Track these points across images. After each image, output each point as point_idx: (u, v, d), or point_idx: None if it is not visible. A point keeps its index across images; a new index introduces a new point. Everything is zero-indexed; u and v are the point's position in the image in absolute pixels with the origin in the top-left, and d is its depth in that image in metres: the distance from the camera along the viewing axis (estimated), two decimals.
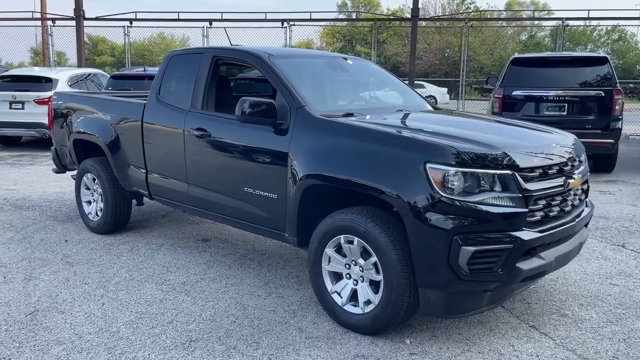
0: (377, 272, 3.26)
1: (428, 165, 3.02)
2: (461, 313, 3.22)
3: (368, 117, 3.82)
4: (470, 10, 34.63)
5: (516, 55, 9.57)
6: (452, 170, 2.97)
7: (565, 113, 8.75)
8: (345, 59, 4.77)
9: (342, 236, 3.40)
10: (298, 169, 3.58)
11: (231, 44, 4.90)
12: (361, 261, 3.36)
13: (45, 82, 11.08)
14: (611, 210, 6.75)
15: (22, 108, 10.87)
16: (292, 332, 3.46)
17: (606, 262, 4.82)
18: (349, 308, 3.45)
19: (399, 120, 3.80)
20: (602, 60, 8.92)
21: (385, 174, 3.18)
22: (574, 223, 3.41)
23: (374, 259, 3.25)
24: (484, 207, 2.97)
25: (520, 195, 3.04)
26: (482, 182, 3.00)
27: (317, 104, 3.84)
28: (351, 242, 3.37)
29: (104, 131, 5.26)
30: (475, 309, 3.19)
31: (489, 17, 27.42)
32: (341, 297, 3.49)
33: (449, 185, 2.97)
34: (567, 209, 3.38)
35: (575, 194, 3.52)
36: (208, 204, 4.41)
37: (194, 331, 3.47)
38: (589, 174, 3.83)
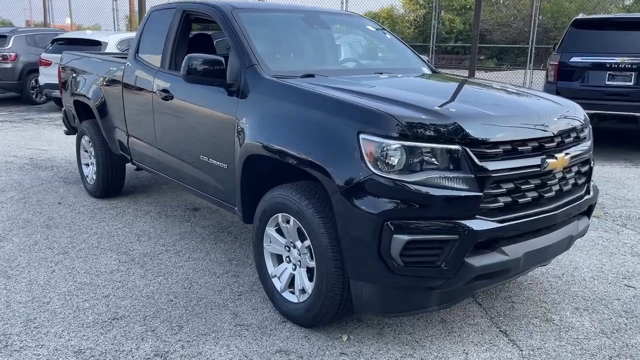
0: (312, 257, 2.83)
1: (361, 135, 2.53)
2: (402, 312, 2.75)
3: (329, 79, 3.34)
4: None
5: (580, 16, 8.48)
6: (387, 142, 2.46)
7: (632, 83, 7.66)
8: (331, 14, 4.26)
9: (280, 214, 2.99)
10: (242, 137, 3.19)
11: None
12: (299, 244, 2.95)
13: (94, 45, 11.22)
14: None
15: None
16: (225, 317, 3.13)
17: (634, 258, 4.08)
18: (287, 295, 3.07)
19: (362, 84, 3.28)
20: None
21: (316, 145, 2.73)
22: (556, 213, 2.80)
23: (308, 242, 2.83)
24: (423, 189, 2.45)
25: (473, 176, 2.49)
26: (423, 158, 2.48)
27: (273, 62, 3.42)
28: (288, 222, 2.96)
29: (93, 92, 5.10)
30: (420, 308, 2.71)
31: None
32: (280, 282, 3.10)
33: (383, 161, 2.47)
34: (547, 194, 2.77)
35: (564, 177, 2.89)
36: (174, 171, 4.13)
37: (124, 308, 3.22)
38: (591, 153, 3.14)
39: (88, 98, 5.16)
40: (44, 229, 4.55)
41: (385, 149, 2.46)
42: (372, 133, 2.50)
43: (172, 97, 3.89)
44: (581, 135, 3.04)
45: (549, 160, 2.70)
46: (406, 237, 2.44)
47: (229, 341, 2.87)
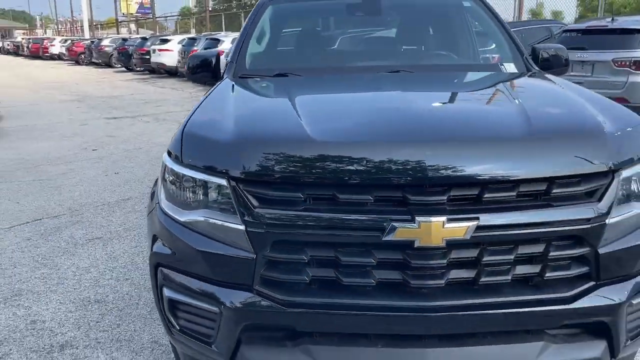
0: None
1: (166, 153, 2.05)
2: None
3: (297, 80, 2.77)
4: None
5: None
6: (168, 164, 1.96)
7: None
8: None
9: None
10: None
11: None
12: None
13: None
14: None
15: None
16: (97, 355, 2.65)
17: None
18: None
19: (317, 89, 2.67)
20: None
21: None
22: (437, 315, 1.62)
23: None
24: (187, 235, 1.82)
25: (243, 227, 1.66)
26: (195, 192, 1.84)
27: (257, 59, 3.13)
28: None
29: None
30: None
31: None
32: None
33: (164, 187, 2.00)
34: (415, 282, 1.63)
35: (479, 260, 1.65)
36: None
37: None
38: (601, 226, 1.65)
39: None
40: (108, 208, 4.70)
41: (164, 173, 1.98)
42: (168, 151, 2.01)
43: None
44: (555, 191, 1.64)
45: (403, 226, 1.57)
46: (168, 294, 1.89)
47: None
